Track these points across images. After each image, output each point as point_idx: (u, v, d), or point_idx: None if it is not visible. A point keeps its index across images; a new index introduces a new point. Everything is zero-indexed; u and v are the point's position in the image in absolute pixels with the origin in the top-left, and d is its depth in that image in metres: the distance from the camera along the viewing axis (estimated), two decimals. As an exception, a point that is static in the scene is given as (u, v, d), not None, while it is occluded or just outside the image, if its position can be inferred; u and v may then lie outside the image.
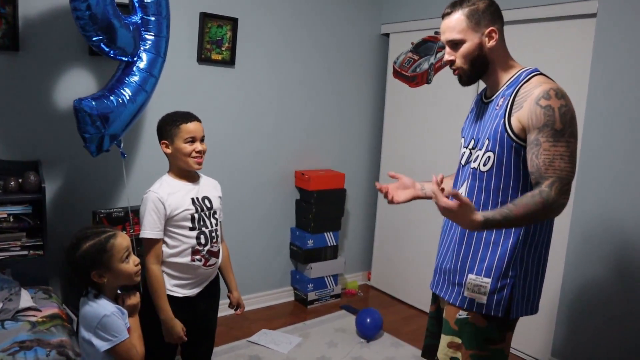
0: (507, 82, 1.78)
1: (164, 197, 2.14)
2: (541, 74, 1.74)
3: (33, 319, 2.30)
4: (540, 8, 3.13)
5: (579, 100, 2.97)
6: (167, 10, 2.70)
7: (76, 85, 2.97)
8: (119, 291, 1.84)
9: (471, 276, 1.79)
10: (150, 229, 2.13)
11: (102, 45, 2.47)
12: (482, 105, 1.89)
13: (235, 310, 2.51)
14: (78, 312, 2.37)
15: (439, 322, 1.99)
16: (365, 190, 4.49)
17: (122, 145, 2.75)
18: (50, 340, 2.13)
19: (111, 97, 2.54)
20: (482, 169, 1.77)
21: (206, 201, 2.26)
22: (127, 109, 2.58)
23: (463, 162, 1.89)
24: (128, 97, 2.59)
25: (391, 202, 2.07)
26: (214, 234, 2.27)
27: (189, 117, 2.19)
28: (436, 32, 3.77)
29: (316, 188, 3.89)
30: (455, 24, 1.75)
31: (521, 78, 1.74)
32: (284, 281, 4.11)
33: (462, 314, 1.80)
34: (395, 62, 4.17)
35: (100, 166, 3.10)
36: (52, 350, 2.05)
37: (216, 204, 2.31)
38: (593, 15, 2.88)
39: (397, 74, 4.16)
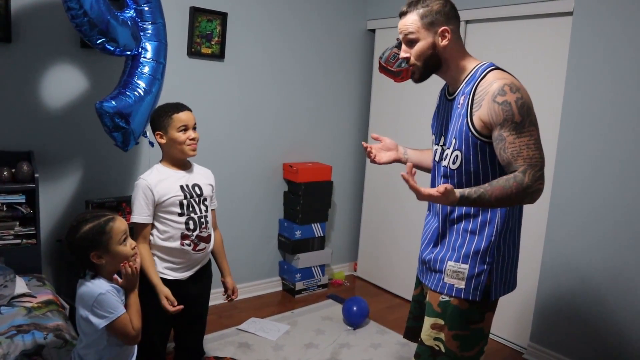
0: (465, 79, 1.85)
1: (152, 184, 2.25)
2: (496, 68, 1.81)
3: (28, 304, 2.36)
4: (517, 6, 3.22)
5: (556, 97, 3.07)
6: None
7: (68, 76, 3.02)
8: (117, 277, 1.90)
9: (450, 263, 1.89)
10: (138, 214, 2.26)
11: (107, 46, 2.52)
12: (446, 102, 1.97)
13: (229, 297, 2.56)
14: (71, 301, 2.44)
15: (422, 306, 2.08)
16: (351, 182, 4.58)
17: (147, 134, 2.78)
18: (47, 324, 2.19)
19: (128, 93, 2.59)
20: (452, 167, 1.86)
21: (196, 188, 2.35)
22: (145, 100, 2.64)
23: (437, 159, 1.98)
24: (144, 89, 2.64)
25: (373, 161, 2.15)
26: (202, 220, 2.35)
27: (180, 107, 2.30)
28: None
29: (304, 180, 3.97)
30: (410, 23, 1.83)
31: (477, 74, 1.81)
32: (272, 271, 4.19)
33: (445, 297, 1.90)
34: (380, 57, 4.18)
35: (93, 156, 3.16)
36: (49, 334, 2.11)
37: (207, 191, 2.39)
38: (569, 14, 2.98)
39: (382, 69, 4.16)
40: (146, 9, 2.70)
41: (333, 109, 4.34)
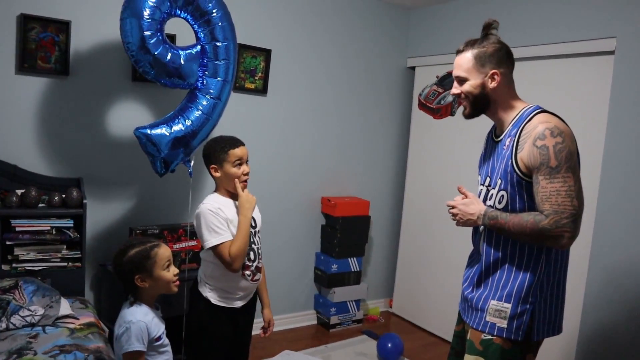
0: (512, 121, 1.88)
1: (219, 207, 2.24)
2: (543, 111, 1.83)
3: (71, 325, 2.44)
4: (559, 45, 3.23)
5: (598, 138, 3.03)
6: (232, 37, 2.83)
7: (118, 108, 3.17)
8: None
9: (492, 302, 1.87)
10: (218, 234, 2.18)
11: (174, 83, 2.68)
12: (493, 144, 1.99)
13: (265, 331, 2.56)
14: (110, 325, 2.51)
15: (463, 341, 2.06)
16: (389, 218, 4.58)
17: (190, 164, 2.86)
18: (88, 346, 2.25)
19: (169, 123, 2.69)
20: (498, 206, 1.87)
21: (252, 220, 2.37)
22: (178, 133, 2.70)
23: (481, 199, 1.99)
24: (184, 124, 2.71)
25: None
26: (259, 251, 2.39)
27: (235, 142, 2.31)
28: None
29: (341, 214, 4.00)
30: (463, 62, 1.89)
31: (524, 117, 1.83)
32: (308, 304, 4.19)
33: (487, 335, 1.87)
34: (420, 94, 4.22)
35: (138, 184, 3.28)
36: (90, 355, 2.17)
37: (259, 223, 2.43)
38: (611, 53, 2.97)
39: (422, 106, 4.22)
40: (219, 44, 2.75)
41: (372, 144, 4.38)
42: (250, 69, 3.63)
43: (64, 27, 2.91)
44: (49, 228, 2.75)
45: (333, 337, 3.93)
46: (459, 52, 1.92)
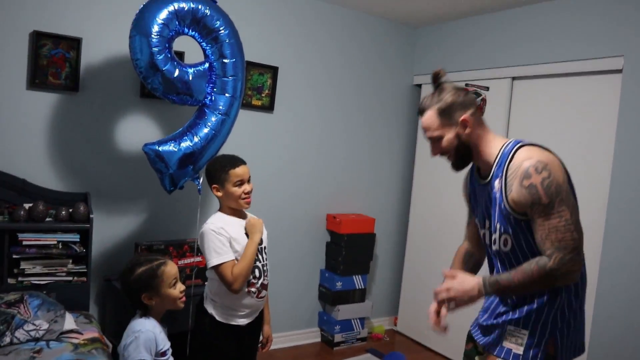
0: (495, 160, 1.81)
1: (222, 226, 2.25)
2: (522, 145, 1.77)
3: (75, 340, 2.43)
4: (567, 63, 3.24)
5: (605, 155, 3.03)
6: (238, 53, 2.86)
7: (127, 124, 3.20)
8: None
9: (510, 327, 1.82)
10: (219, 255, 2.20)
11: (183, 99, 2.71)
12: (482, 186, 1.92)
13: (263, 346, 2.55)
14: (114, 340, 2.51)
15: None
16: (394, 235, 4.57)
17: (199, 181, 2.89)
18: (92, 361, 2.25)
19: (177, 140, 2.72)
20: (504, 249, 1.82)
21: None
22: (187, 150, 2.73)
23: (487, 242, 1.94)
24: (192, 140, 2.74)
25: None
26: (265, 268, 2.39)
27: (236, 161, 2.31)
28: (467, 84, 3.92)
29: (347, 231, 3.99)
30: (430, 122, 1.83)
31: (505, 155, 1.77)
32: (312, 322, 4.17)
33: None
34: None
35: (144, 200, 3.30)
36: (93, 370, 2.17)
37: (265, 240, 2.43)
38: (619, 72, 2.98)
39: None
40: (227, 61, 2.78)
41: (378, 161, 4.39)
42: (257, 86, 3.66)
43: (75, 44, 2.95)
44: (55, 242, 2.77)
45: (337, 356, 3.90)
46: (419, 113, 1.87)
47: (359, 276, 4.11)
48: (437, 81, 1.88)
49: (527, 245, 1.76)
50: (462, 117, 1.80)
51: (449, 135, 1.82)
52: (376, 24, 4.22)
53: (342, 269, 4.00)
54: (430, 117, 1.83)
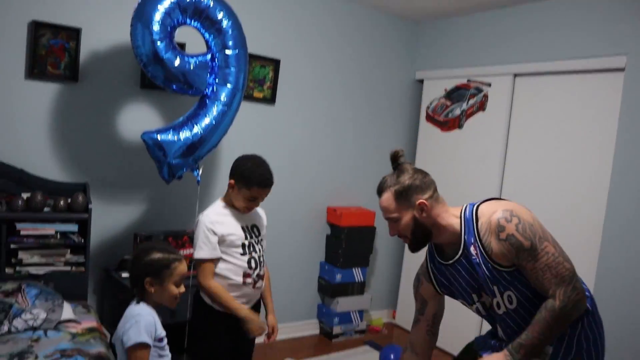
0: (461, 231, 1.79)
1: (217, 220, 2.29)
2: (479, 204, 1.78)
3: (73, 330, 2.45)
4: (569, 61, 3.23)
5: (606, 154, 3.01)
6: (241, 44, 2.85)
7: (126, 114, 3.20)
8: None
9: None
10: (205, 250, 2.26)
11: (183, 89, 2.71)
12: (452, 265, 1.86)
13: (269, 337, 2.53)
14: (112, 330, 2.51)
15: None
16: (394, 229, 4.55)
17: (199, 171, 2.89)
18: (89, 351, 2.26)
19: (177, 129, 2.71)
20: (511, 307, 1.78)
21: (255, 229, 2.41)
22: (187, 140, 2.73)
23: (483, 312, 1.90)
24: (192, 131, 2.73)
25: None
26: (261, 259, 2.41)
27: (267, 183, 2.33)
28: (469, 80, 3.90)
29: (347, 224, 3.99)
30: (388, 204, 1.80)
31: (470, 221, 1.76)
32: (311, 313, 4.18)
33: None
34: (428, 107, 4.30)
35: (144, 190, 3.30)
36: (90, 360, 2.18)
37: (263, 231, 2.46)
38: (621, 70, 2.96)
39: (429, 119, 4.29)
40: (229, 53, 2.78)
41: (379, 155, 4.38)
42: (259, 79, 3.64)
43: (74, 34, 2.94)
44: (53, 232, 2.77)
45: (335, 347, 3.91)
46: (378, 193, 1.84)
47: (359, 269, 4.11)
48: (396, 161, 1.84)
49: (530, 290, 1.73)
50: (419, 201, 1.77)
51: (406, 218, 1.79)
52: (378, 19, 4.20)
53: (342, 262, 4.00)
54: (387, 199, 1.80)
